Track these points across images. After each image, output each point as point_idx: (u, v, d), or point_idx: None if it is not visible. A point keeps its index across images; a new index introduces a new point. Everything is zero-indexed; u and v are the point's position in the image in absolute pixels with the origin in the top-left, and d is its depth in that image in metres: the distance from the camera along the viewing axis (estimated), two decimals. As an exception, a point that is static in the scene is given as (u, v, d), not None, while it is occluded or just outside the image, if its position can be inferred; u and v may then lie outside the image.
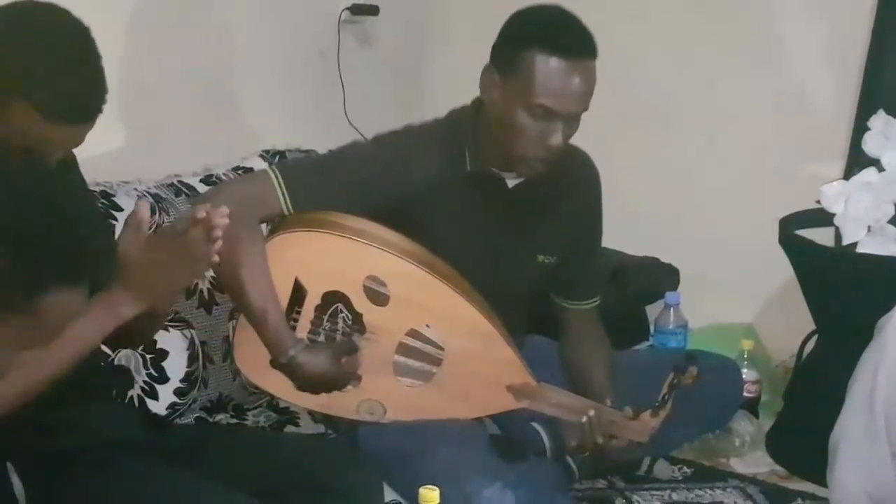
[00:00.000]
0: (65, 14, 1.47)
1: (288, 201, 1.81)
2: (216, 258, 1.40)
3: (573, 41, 1.79)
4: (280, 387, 1.84)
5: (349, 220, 1.83)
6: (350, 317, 1.83)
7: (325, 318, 1.84)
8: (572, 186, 2.00)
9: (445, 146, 1.89)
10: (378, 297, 1.82)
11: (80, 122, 1.47)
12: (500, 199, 1.92)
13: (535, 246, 1.98)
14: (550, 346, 2.12)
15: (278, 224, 1.85)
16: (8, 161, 1.45)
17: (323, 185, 1.84)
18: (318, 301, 1.83)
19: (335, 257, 1.82)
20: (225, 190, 1.95)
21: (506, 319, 1.89)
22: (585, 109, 1.81)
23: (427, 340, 1.84)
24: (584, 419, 1.86)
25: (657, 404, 1.88)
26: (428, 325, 1.84)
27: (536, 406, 1.90)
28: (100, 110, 1.48)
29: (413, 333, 1.84)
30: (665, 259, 2.86)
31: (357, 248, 1.81)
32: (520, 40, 1.79)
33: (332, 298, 1.83)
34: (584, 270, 2.08)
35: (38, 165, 1.47)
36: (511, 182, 1.92)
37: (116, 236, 1.69)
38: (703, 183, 2.93)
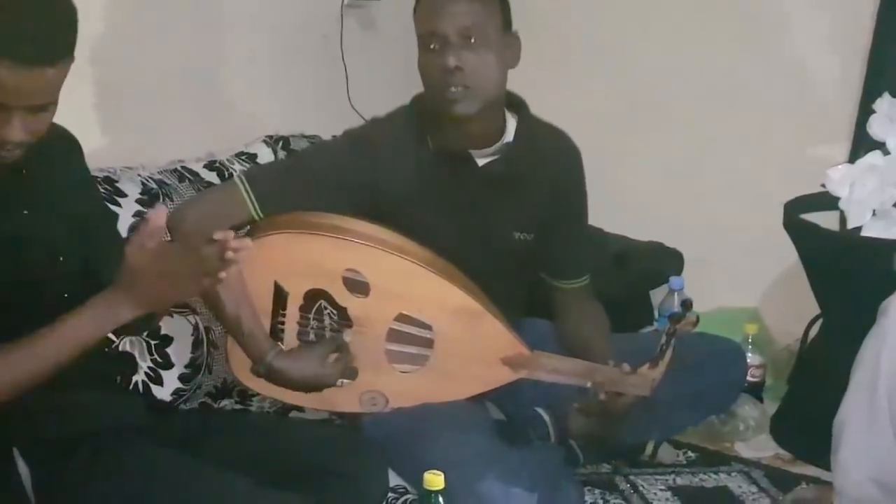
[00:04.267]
0: None
1: (257, 207, 1.82)
2: (224, 276, 1.40)
3: None
4: (276, 389, 1.85)
5: (319, 216, 1.83)
6: (335, 312, 1.83)
7: (311, 316, 1.84)
8: (547, 163, 2.00)
9: (407, 129, 1.91)
10: (359, 288, 1.83)
11: (25, 62, 1.35)
12: (471, 178, 1.93)
13: (511, 223, 1.98)
14: (550, 328, 2.12)
15: (251, 230, 1.85)
16: None
17: (290, 186, 1.85)
18: (300, 301, 1.84)
19: (311, 255, 1.83)
20: (194, 202, 1.95)
21: (494, 297, 1.89)
22: (468, 30, 1.82)
23: (416, 322, 1.84)
24: (588, 382, 1.86)
25: (655, 354, 1.87)
26: (416, 309, 1.84)
27: (534, 374, 1.89)
28: (64, 54, 1.39)
29: (401, 318, 1.84)
30: (669, 244, 2.85)
31: (331, 243, 1.81)
32: (414, 2, 1.90)
33: (315, 296, 1.83)
34: (569, 248, 2.08)
35: None
36: (481, 161, 1.92)
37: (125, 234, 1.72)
38: (707, 167, 2.93)
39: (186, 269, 1.40)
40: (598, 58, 2.92)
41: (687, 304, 1.94)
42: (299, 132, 2.55)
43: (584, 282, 2.11)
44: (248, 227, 1.86)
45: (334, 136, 1.99)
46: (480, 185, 1.93)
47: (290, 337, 1.84)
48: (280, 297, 1.83)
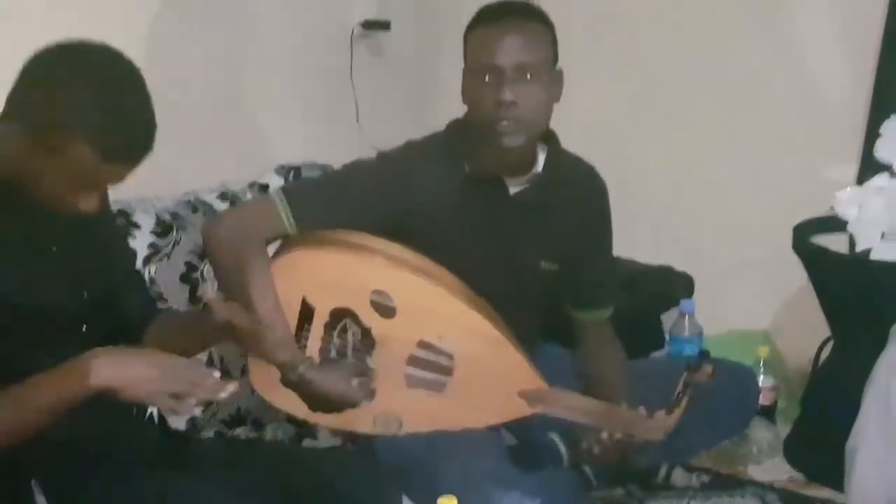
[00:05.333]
0: (117, 54, 1.48)
1: (292, 221, 1.84)
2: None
3: (502, 7, 1.91)
4: (296, 405, 1.86)
5: (351, 236, 1.85)
6: (359, 332, 1.85)
7: (335, 334, 1.86)
8: (575, 195, 2.02)
9: (444, 156, 1.93)
10: (385, 310, 1.84)
11: (134, 160, 1.48)
12: (501, 206, 1.95)
13: (538, 253, 2.00)
14: (565, 355, 2.13)
15: (283, 244, 1.87)
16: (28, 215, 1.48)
17: (326, 205, 1.87)
18: (326, 318, 1.85)
19: (340, 274, 1.84)
20: (231, 214, 1.98)
21: (515, 326, 1.91)
22: (530, 63, 1.84)
23: (437, 351, 1.86)
24: (599, 420, 1.87)
25: (672, 402, 1.88)
26: (437, 336, 1.86)
27: (550, 410, 1.90)
28: (151, 148, 1.49)
29: (423, 345, 1.86)
30: (679, 267, 2.86)
31: (361, 263, 1.83)
32: (466, 31, 1.93)
33: (340, 314, 1.85)
34: (592, 280, 2.09)
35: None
36: (513, 189, 1.95)
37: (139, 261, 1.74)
38: (717, 189, 2.94)
39: (170, 379, 1.46)
40: (603, 84, 2.94)
41: (704, 354, 1.96)
42: (311, 161, 2.57)
43: (604, 314, 2.13)
44: (280, 241, 1.88)
45: (372, 157, 2.01)
46: (510, 214, 1.96)
47: (312, 352, 1.86)
48: (306, 312, 1.85)
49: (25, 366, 1.45)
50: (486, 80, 1.84)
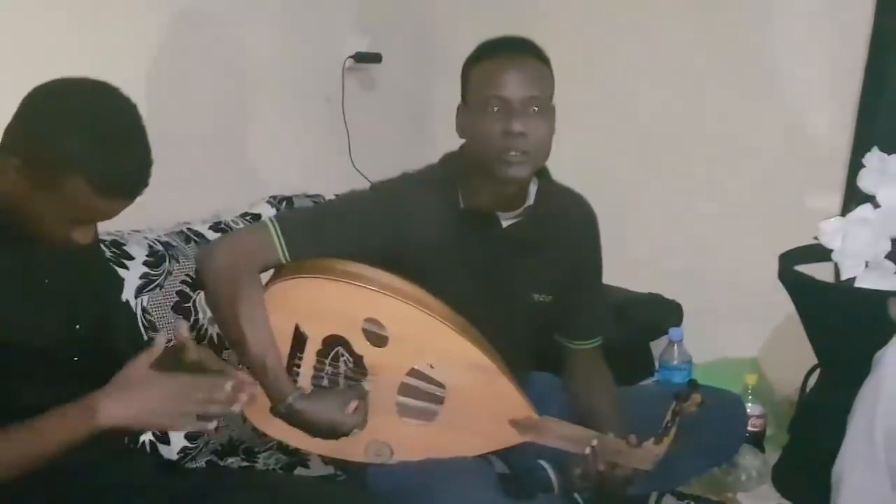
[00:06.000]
0: (115, 91, 1.51)
1: (286, 250, 1.85)
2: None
3: (506, 42, 1.93)
4: (287, 433, 1.87)
5: (345, 265, 1.87)
6: (351, 360, 1.87)
7: (327, 361, 1.87)
8: (566, 226, 2.05)
9: (439, 188, 1.95)
10: (377, 338, 1.86)
11: (130, 197, 1.50)
12: (494, 238, 1.97)
13: (530, 284, 2.02)
14: (556, 384, 2.15)
15: (277, 272, 1.89)
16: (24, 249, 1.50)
17: (319, 234, 1.89)
18: (318, 345, 1.86)
19: (333, 302, 1.86)
20: (225, 242, 1.99)
21: (506, 356, 1.92)
22: (536, 97, 1.87)
23: (428, 379, 1.87)
24: (588, 449, 1.88)
25: (660, 431, 1.90)
26: (429, 365, 1.87)
27: (540, 439, 1.92)
28: (146, 184, 1.51)
29: (414, 373, 1.87)
30: (668, 295, 2.88)
31: (353, 292, 1.85)
32: (467, 65, 1.94)
33: (333, 342, 1.86)
34: (583, 310, 2.11)
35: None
36: (506, 222, 1.97)
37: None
38: (704, 219, 2.97)
39: (181, 401, 1.48)
40: (593, 113, 2.97)
41: (692, 384, 1.98)
42: (303, 192, 2.60)
43: (594, 343, 2.14)
44: (273, 270, 1.90)
45: (366, 187, 2.03)
46: (503, 246, 1.98)
47: (305, 380, 1.87)
48: (299, 340, 1.86)
49: (18, 399, 1.47)
50: (494, 111, 1.86)
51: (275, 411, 1.81)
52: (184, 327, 1.57)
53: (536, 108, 1.87)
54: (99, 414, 1.45)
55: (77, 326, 1.60)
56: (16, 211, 1.46)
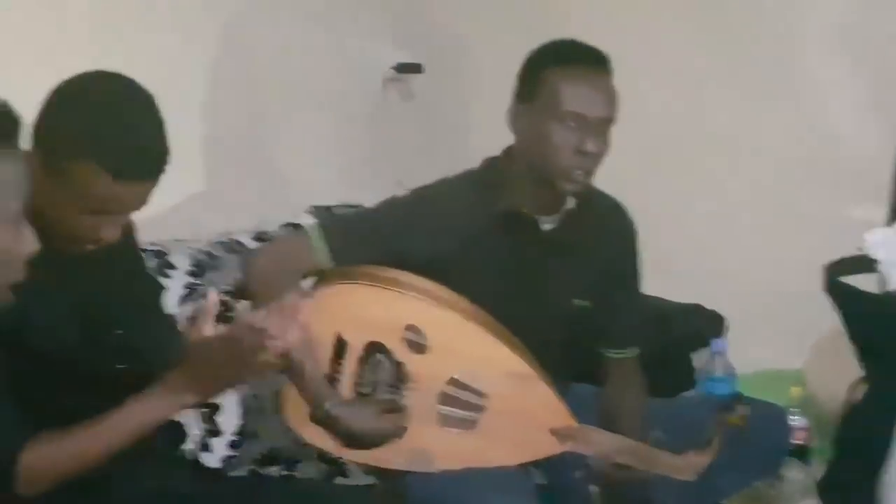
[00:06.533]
0: (129, 81, 1.51)
1: (329, 256, 1.87)
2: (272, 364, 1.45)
3: (587, 53, 1.92)
4: (327, 441, 1.87)
5: (386, 271, 1.87)
6: (392, 367, 1.87)
7: (368, 369, 1.87)
8: (606, 231, 2.04)
9: (479, 192, 1.95)
10: (418, 346, 1.86)
11: (143, 178, 1.48)
12: (534, 243, 1.97)
13: (570, 290, 2.01)
14: (596, 395, 2.14)
15: (318, 278, 1.90)
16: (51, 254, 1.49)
17: (361, 239, 1.90)
18: (359, 352, 1.87)
19: (374, 309, 1.87)
20: (269, 248, 2.01)
21: (545, 364, 1.91)
22: (612, 119, 1.88)
23: (468, 388, 1.87)
24: (631, 458, 1.87)
25: (703, 443, 1.88)
26: (468, 372, 1.87)
27: (580, 448, 1.91)
28: (162, 169, 1.50)
29: (454, 382, 1.87)
30: (711, 306, 2.86)
31: (395, 299, 1.85)
32: (539, 64, 1.91)
33: (374, 349, 1.87)
34: (621, 318, 2.10)
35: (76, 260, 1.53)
36: (545, 225, 1.97)
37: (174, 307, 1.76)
38: (748, 229, 2.94)
39: (233, 356, 1.45)
40: (632, 122, 2.96)
41: (736, 396, 1.96)
42: (343, 202, 2.61)
43: (631, 353, 2.13)
44: (314, 276, 1.91)
45: (406, 193, 2.04)
46: (542, 250, 1.97)
47: (345, 387, 1.87)
48: (340, 346, 1.87)
49: (64, 407, 1.48)
50: (568, 125, 1.85)
51: (313, 417, 1.82)
52: (214, 294, 1.53)
53: (606, 129, 1.87)
54: (184, 395, 1.46)
55: (118, 331, 1.62)
56: (46, 212, 1.46)
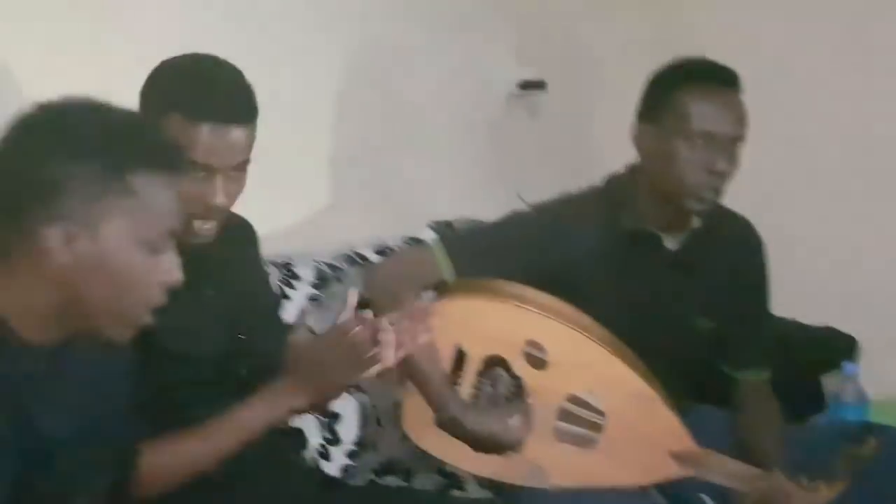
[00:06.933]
0: (218, 57, 1.58)
1: (451, 269, 1.88)
2: (388, 361, 1.45)
3: (716, 71, 1.89)
4: (445, 451, 1.88)
5: (507, 285, 1.88)
6: (511, 381, 1.86)
7: (486, 382, 1.87)
8: (733, 251, 1.99)
9: (601, 208, 1.94)
10: (537, 361, 1.85)
11: (221, 120, 1.50)
12: (659, 262, 1.94)
13: (695, 310, 1.97)
14: (718, 417, 2.09)
15: (440, 290, 1.92)
16: None
17: (483, 253, 1.91)
18: (478, 366, 1.88)
19: (495, 322, 1.87)
20: (392, 260, 2.03)
21: (667, 384, 1.88)
22: (741, 137, 1.85)
23: (587, 406, 1.86)
24: (755, 487, 1.82)
25: (831, 475, 1.81)
26: (588, 391, 1.85)
27: (702, 474, 1.86)
28: (244, 116, 1.53)
29: (573, 399, 1.86)
30: (843, 328, 2.76)
31: (516, 313, 1.86)
32: (667, 83, 1.90)
33: (493, 363, 1.87)
34: (750, 339, 2.05)
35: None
36: (670, 244, 1.94)
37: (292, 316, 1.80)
38: (883, 248, 2.83)
39: (343, 355, 1.47)
40: (762, 139, 2.90)
41: (868, 427, 1.88)
42: (464, 218, 2.62)
43: (762, 375, 2.08)
44: (435, 288, 1.93)
45: (528, 208, 2.04)
46: (666, 269, 1.95)
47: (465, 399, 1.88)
48: (459, 359, 1.88)
49: (189, 411, 1.52)
50: (698, 144, 1.83)
51: (438, 421, 1.83)
52: (354, 294, 1.56)
53: (738, 148, 1.84)
54: (295, 398, 1.49)
55: (240, 336, 1.66)
56: None
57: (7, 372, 1.18)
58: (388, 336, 1.44)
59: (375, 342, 1.44)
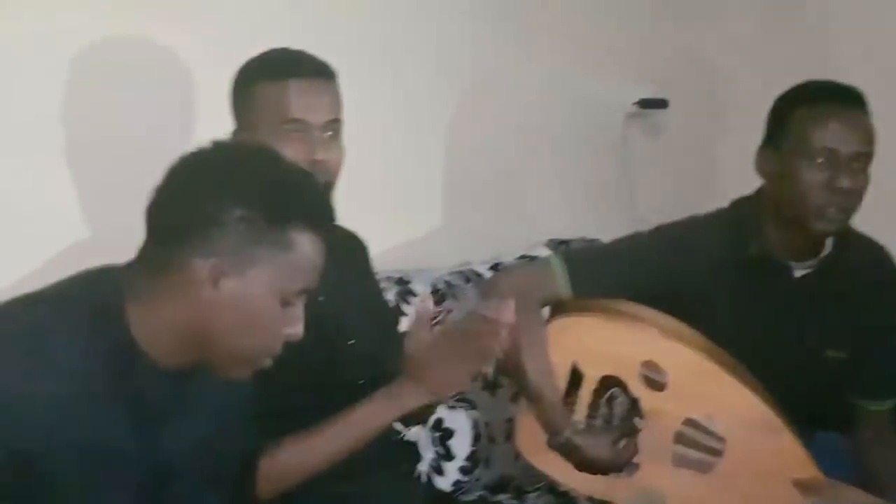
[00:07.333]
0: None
1: (569, 287, 1.86)
2: (499, 354, 1.46)
3: (838, 90, 1.84)
4: (560, 471, 1.87)
5: (626, 305, 1.86)
6: (627, 402, 1.84)
7: (602, 402, 1.85)
8: (866, 277, 1.92)
9: (727, 232, 1.90)
10: (656, 383, 1.82)
11: (307, 76, 1.60)
12: (785, 290, 1.88)
13: (824, 339, 1.91)
14: (842, 445, 2.01)
15: (558, 308, 1.90)
16: None
17: (603, 273, 1.89)
18: (594, 385, 1.85)
19: (613, 342, 1.85)
20: (510, 274, 2.03)
21: (791, 412, 1.82)
22: (867, 154, 1.79)
23: (706, 430, 1.81)
24: None
25: None
26: (708, 415, 1.81)
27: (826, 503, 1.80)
28: (328, 73, 1.64)
29: (691, 423, 1.82)
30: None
31: (634, 334, 1.83)
32: (788, 105, 1.85)
33: (609, 383, 1.85)
34: (882, 369, 1.97)
35: None
36: (798, 272, 1.88)
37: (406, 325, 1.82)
38: None
39: (462, 350, 1.48)
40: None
41: None
42: (581, 237, 2.61)
43: (886, 405, 2.00)
44: (551, 307, 1.92)
45: (650, 229, 2.02)
46: (794, 298, 1.89)
47: (579, 419, 1.86)
48: (575, 378, 1.86)
49: (302, 417, 1.53)
50: (819, 162, 1.79)
51: (551, 443, 1.82)
52: (429, 300, 1.61)
53: (864, 165, 1.79)
54: (408, 396, 1.50)
55: (352, 342, 1.68)
56: None
57: (136, 389, 1.24)
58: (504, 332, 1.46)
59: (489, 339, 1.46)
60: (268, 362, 1.30)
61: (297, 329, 1.29)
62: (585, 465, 1.83)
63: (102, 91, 1.89)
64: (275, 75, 1.60)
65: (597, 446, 1.80)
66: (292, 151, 1.55)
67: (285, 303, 1.26)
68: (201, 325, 1.23)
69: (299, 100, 1.59)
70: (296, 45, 1.68)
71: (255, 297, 1.23)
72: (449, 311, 2.22)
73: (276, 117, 1.59)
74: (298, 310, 1.29)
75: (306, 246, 1.25)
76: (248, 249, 1.22)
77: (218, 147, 1.28)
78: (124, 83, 1.91)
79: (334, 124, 1.63)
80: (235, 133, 1.64)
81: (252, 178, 1.24)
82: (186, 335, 1.24)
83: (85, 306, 1.23)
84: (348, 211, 1.69)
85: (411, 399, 1.51)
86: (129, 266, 1.27)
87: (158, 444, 1.26)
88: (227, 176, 1.24)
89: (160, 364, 1.25)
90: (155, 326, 1.24)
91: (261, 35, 1.75)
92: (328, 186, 1.61)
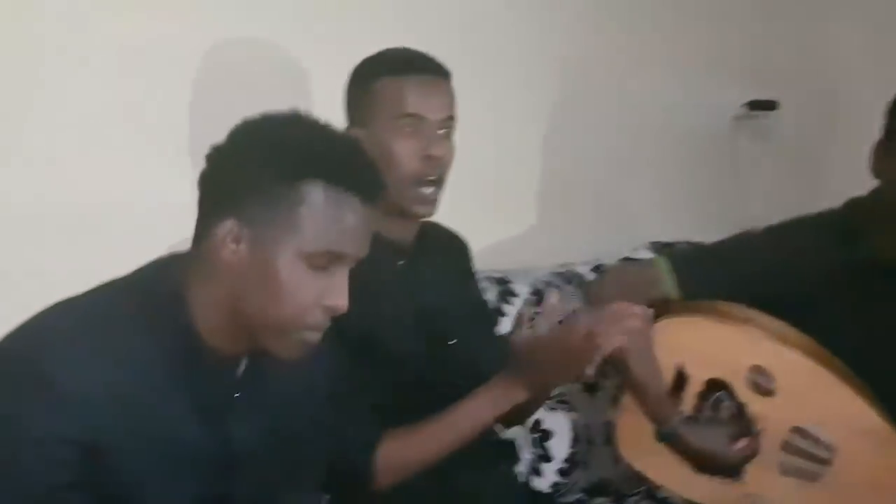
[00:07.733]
0: None
1: (676, 287, 1.84)
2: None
3: None
4: (661, 474, 1.84)
5: (732, 307, 1.82)
6: (734, 406, 1.80)
7: (707, 405, 1.82)
8: None
9: (839, 235, 1.85)
10: (763, 388, 1.79)
11: (426, 73, 1.62)
12: None
13: None
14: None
15: (662, 309, 1.88)
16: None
17: (711, 273, 1.86)
18: (699, 388, 1.83)
19: (720, 344, 1.82)
20: (616, 271, 2.01)
21: None
22: None
23: (815, 439, 1.77)
24: None
25: None
26: (817, 423, 1.76)
27: None
28: (445, 73, 1.64)
29: (799, 430, 1.78)
30: None
31: (743, 337, 1.80)
32: None
33: (715, 386, 1.82)
34: None
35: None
36: None
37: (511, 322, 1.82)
38: None
39: (566, 354, 1.49)
40: None
41: None
42: (684, 239, 2.57)
43: None
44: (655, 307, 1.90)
45: (758, 229, 1.99)
46: None
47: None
48: (680, 380, 1.84)
49: (404, 414, 1.55)
50: None
51: (659, 435, 1.79)
52: (555, 296, 1.60)
53: None
54: (514, 391, 1.52)
55: (452, 341, 1.69)
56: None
57: (200, 379, 1.21)
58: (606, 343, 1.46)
59: (592, 342, 1.46)
60: (313, 336, 1.22)
61: (337, 301, 1.20)
62: (698, 459, 1.77)
63: (222, 93, 1.93)
64: (394, 71, 1.61)
65: (706, 439, 1.76)
66: (406, 146, 1.57)
67: (314, 266, 1.18)
68: (235, 296, 1.19)
69: (417, 96, 1.60)
70: (405, 45, 1.69)
71: (275, 259, 1.17)
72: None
73: (393, 112, 1.60)
74: (338, 279, 1.20)
75: (323, 200, 1.17)
76: (262, 210, 1.17)
77: (253, 118, 1.24)
78: (242, 85, 1.94)
79: (449, 122, 1.63)
80: (348, 130, 1.66)
81: (269, 138, 1.21)
82: (228, 312, 1.20)
83: (149, 295, 1.20)
84: (450, 211, 1.71)
85: (517, 393, 1.52)
86: (189, 251, 1.24)
87: (226, 434, 1.24)
88: (250, 140, 1.21)
89: (220, 352, 1.22)
90: (206, 310, 1.20)
91: (371, 38, 1.76)
92: (439, 182, 1.62)
